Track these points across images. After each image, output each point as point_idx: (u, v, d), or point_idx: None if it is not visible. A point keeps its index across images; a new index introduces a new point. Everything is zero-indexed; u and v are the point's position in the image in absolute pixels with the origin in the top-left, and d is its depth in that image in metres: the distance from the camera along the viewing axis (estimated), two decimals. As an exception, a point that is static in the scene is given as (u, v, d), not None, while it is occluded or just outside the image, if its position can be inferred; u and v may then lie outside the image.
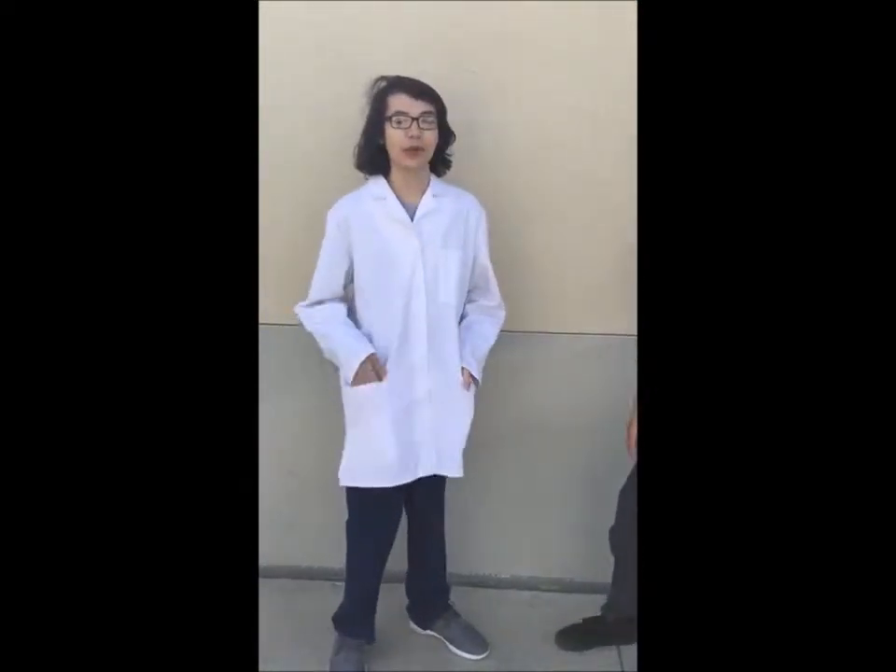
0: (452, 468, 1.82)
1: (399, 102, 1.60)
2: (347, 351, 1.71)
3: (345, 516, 1.89)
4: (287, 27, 1.89)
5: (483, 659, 2.04)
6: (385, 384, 1.71)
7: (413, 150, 1.61)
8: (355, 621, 1.97)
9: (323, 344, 1.76)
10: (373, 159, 1.68)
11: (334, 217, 1.70)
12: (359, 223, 1.68)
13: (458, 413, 1.80)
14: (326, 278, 1.74)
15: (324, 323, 1.75)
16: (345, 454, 1.79)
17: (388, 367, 1.72)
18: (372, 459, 1.76)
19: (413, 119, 1.59)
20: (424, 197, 1.70)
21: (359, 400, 1.74)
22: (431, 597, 2.10)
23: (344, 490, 1.84)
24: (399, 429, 1.74)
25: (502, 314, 1.88)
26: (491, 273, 1.83)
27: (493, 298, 1.86)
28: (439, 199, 1.71)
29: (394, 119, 1.60)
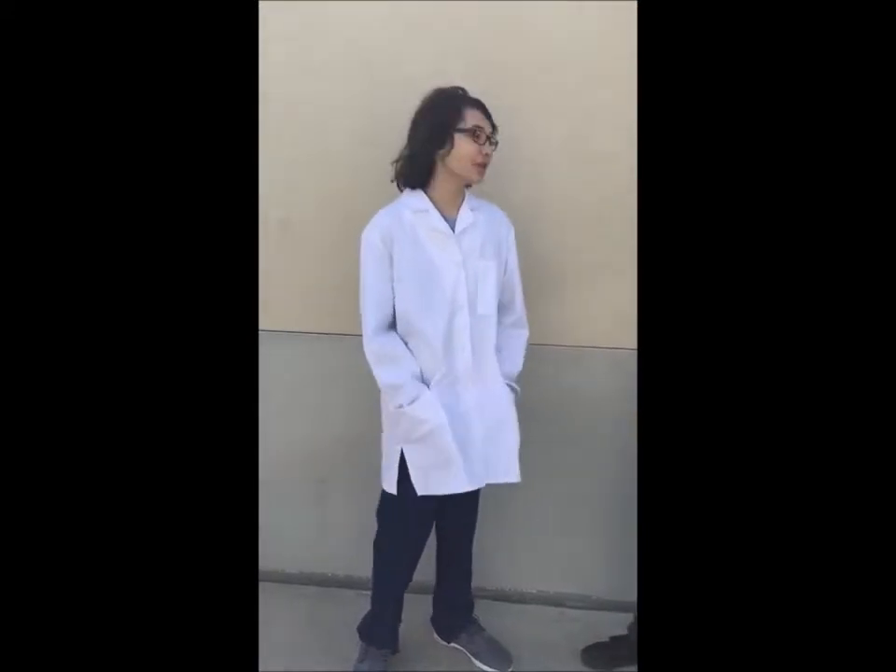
0: (511, 474, 1.81)
1: (475, 116, 1.63)
2: (408, 387, 1.69)
3: (372, 524, 1.89)
4: (301, 29, 1.93)
5: (506, 674, 2.02)
6: (435, 397, 1.69)
7: (483, 166, 1.65)
8: (380, 631, 1.97)
9: (379, 373, 1.71)
10: (422, 170, 1.68)
11: (376, 231, 1.67)
12: (401, 236, 1.67)
13: (508, 422, 1.80)
14: (379, 297, 1.69)
15: (390, 362, 1.70)
16: (412, 467, 1.73)
17: (435, 378, 1.71)
18: (444, 467, 1.71)
19: (487, 136, 1.64)
20: (461, 210, 1.72)
21: (412, 416, 1.69)
22: (456, 610, 2.09)
23: (369, 499, 1.84)
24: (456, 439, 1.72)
25: (525, 332, 1.87)
26: (519, 287, 1.84)
27: (516, 312, 1.85)
28: (475, 212, 1.73)
29: (472, 132, 1.62)
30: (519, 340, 1.86)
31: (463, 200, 1.73)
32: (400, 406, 1.69)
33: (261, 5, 1.63)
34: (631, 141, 1.79)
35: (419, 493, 1.73)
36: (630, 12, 1.75)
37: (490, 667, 2.03)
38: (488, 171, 1.94)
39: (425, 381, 1.71)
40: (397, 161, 1.71)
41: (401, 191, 1.74)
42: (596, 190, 1.99)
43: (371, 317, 1.69)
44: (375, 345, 1.69)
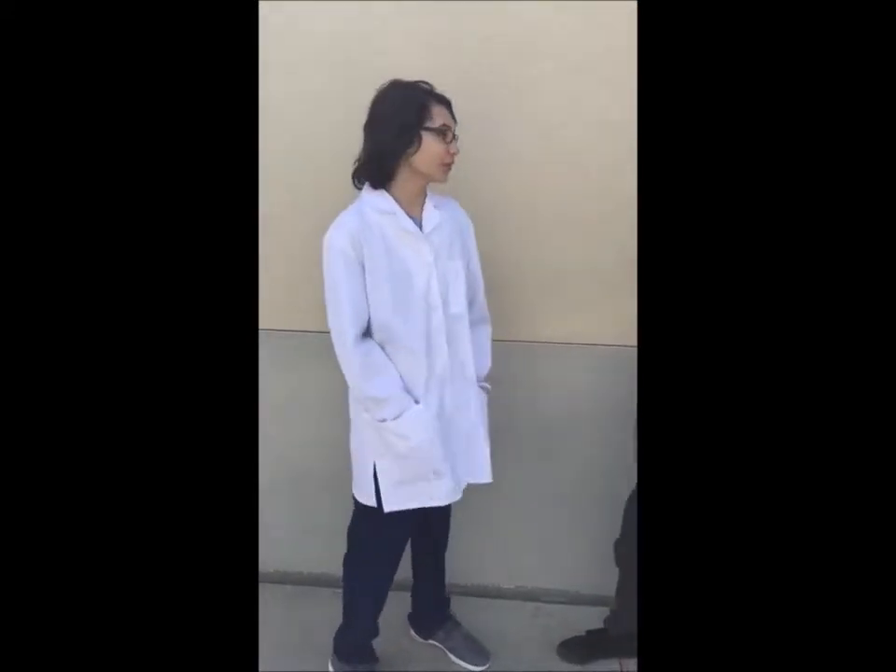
0: (486, 474, 1.81)
1: (442, 114, 1.57)
2: (393, 401, 1.63)
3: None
4: (292, 29, 1.91)
5: (484, 670, 2.03)
6: (421, 406, 1.66)
7: (449, 166, 1.59)
8: (360, 650, 1.95)
9: (363, 386, 1.62)
10: (385, 170, 1.59)
11: (344, 237, 1.56)
12: (370, 239, 1.58)
13: (481, 423, 1.80)
14: (356, 305, 1.59)
15: (375, 373, 1.62)
16: (386, 482, 1.69)
17: (419, 384, 1.67)
18: (426, 479, 1.69)
19: (454, 134, 1.59)
20: (426, 209, 1.66)
21: (397, 432, 1.64)
22: (433, 607, 2.10)
23: (349, 497, 1.82)
24: (442, 445, 1.70)
25: (489, 327, 1.86)
26: (481, 282, 1.81)
27: (479, 308, 1.83)
28: (439, 210, 1.68)
29: (441, 131, 1.55)
30: (485, 335, 1.84)
31: (425, 198, 1.67)
32: (383, 420, 1.63)
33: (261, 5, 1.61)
34: (632, 140, 1.79)
35: (387, 509, 1.69)
36: (630, 10, 1.76)
37: (467, 663, 2.05)
38: (485, 168, 1.94)
39: (407, 388, 1.66)
40: (358, 161, 1.62)
41: (357, 188, 1.65)
42: (595, 189, 1.98)
43: (350, 328, 1.59)
44: (358, 357, 1.60)
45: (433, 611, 2.10)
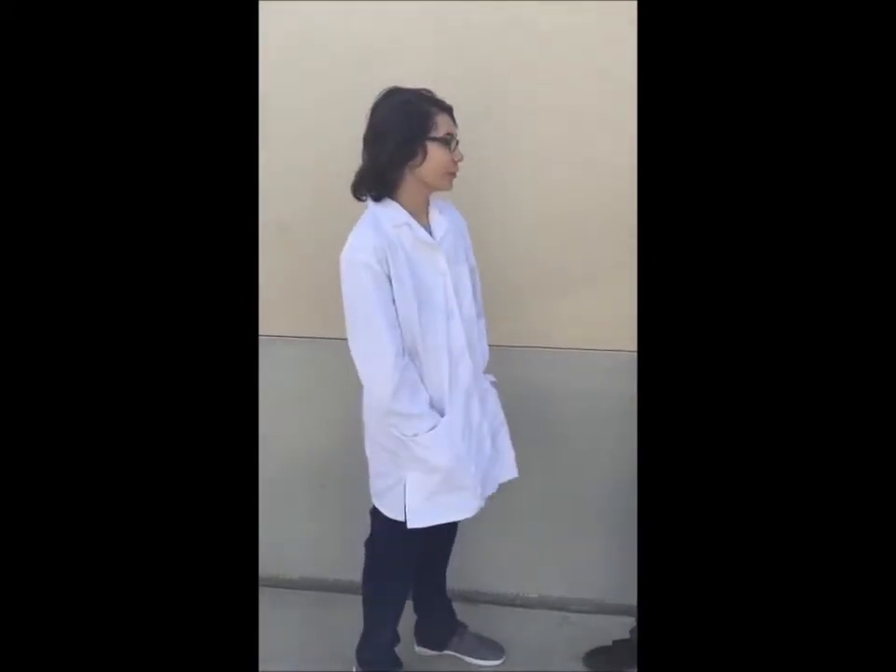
0: (513, 470, 1.84)
1: (446, 122, 1.55)
2: (427, 415, 1.62)
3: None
4: (292, 29, 1.93)
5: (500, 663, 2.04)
6: (447, 419, 1.64)
7: (454, 175, 1.59)
8: (384, 659, 1.96)
9: (396, 404, 1.58)
10: (391, 182, 1.56)
11: (368, 253, 1.51)
12: (393, 254, 1.54)
13: (503, 420, 1.83)
14: (391, 321, 1.55)
15: (408, 388, 1.58)
16: (414, 496, 1.67)
17: (447, 395, 1.65)
18: (454, 493, 1.68)
19: (457, 141, 1.57)
20: (431, 216, 1.64)
21: (428, 445, 1.62)
22: (443, 617, 2.10)
23: (368, 503, 1.81)
24: (470, 455, 1.70)
25: (483, 320, 1.83)
26: (477, 277, 1.80)
27: (477, 303, 1.80)
28: (443, 215, 1.66)
29: (445, 140, 1.53)
30: (482, 328, 1.82)
31: (428, 204, 1.65)
32: (416, 435, 1.61)
33: (261, 5, 1.62)
34: (631, 142, 1.78)
35: (411, 525, 1.67)
36: (630, 10, 1.75)
37: (486, 661, 2.06)
38: (486, 170, 1.93)
39: (432, 401, 1.63)
40: (359, 174, 1.59)
41: (360, 201, 1.62)
42: (595, 192, 1.98)
43: (389, 345, 1.54)
44: (398, 373, 1.55)
45: (444, 623, 2.10)
